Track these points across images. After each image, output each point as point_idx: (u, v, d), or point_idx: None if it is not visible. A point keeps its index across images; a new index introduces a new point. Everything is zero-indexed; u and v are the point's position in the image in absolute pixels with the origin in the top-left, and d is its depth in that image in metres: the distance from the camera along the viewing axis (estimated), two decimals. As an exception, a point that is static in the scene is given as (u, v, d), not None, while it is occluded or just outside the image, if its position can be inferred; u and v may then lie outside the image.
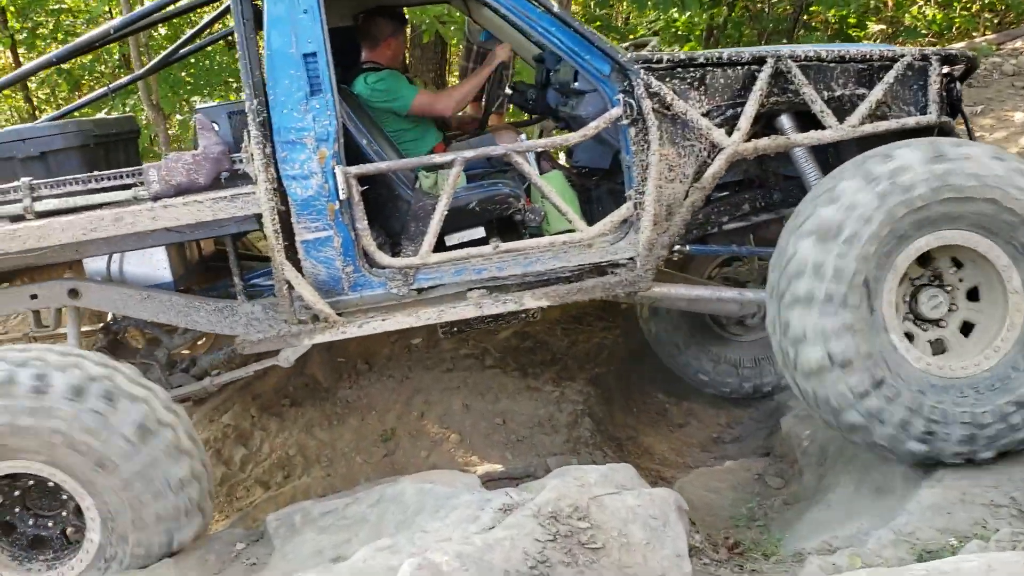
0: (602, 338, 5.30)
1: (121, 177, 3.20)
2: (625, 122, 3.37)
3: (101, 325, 3.97)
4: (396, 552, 2.74)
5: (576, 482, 2.98)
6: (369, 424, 4.76)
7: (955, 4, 8.84)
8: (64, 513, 3.13)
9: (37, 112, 9.20)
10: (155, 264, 3.53)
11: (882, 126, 3.47)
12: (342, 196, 3.25)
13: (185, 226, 3.19)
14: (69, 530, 3.16)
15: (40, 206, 3.15)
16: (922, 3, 9.30)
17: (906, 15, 9.10)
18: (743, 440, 4.78)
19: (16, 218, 3.22)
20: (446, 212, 3.36)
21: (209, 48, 7.43)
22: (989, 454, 2.98)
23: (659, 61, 3.37)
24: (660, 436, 4.85)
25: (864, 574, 2.15)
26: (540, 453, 4.52)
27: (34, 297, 3.43)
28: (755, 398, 4.90)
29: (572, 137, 3.40)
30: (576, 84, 3.79)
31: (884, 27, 9.04)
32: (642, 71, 3.34)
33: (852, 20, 8.76)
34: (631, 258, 3.48)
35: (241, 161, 3.25)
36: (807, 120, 3.58)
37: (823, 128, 3.47)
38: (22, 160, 3.37)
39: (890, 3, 9.04)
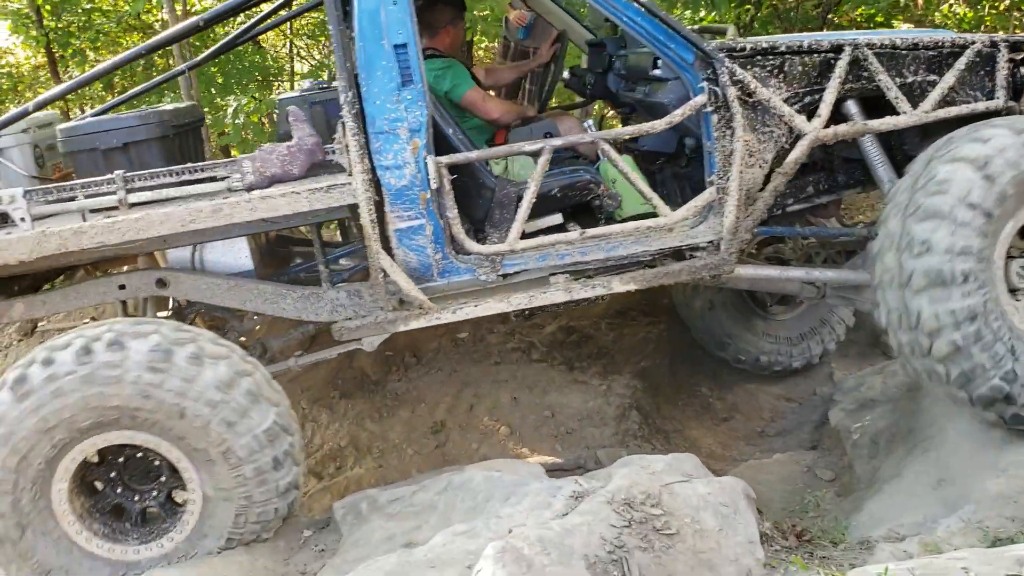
0: (647, 332, 5.32)
1: (212, 168, 3.21)
2: (708, 109, 3.40)
3: (169, 312, 4.00)
4: (474, 536, 2.76)
5: (645, 470, 3.00)
6: (419, 416, 4.80)
7: (984, 2, 8.81)
8: (162, 482, 3.20)
9: (71, 111, 9.26)
10: (237, 253, 3.55)
11: (953, 111, 3.53)
12: (433, 185, 3.29)
13: (281, 217, 3.21)
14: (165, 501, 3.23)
15: (133, 198, 3.16)
16: (952, 1, 9.29)
17: (936, 13, 9.08)
18: (787, 433, 4.81)
19: (102, 210, 3.22)
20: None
21: (239, 48, 7.48)
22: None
23: (742, 49, 3.40)
24: (706, 429, 4.89)
25: (964, 554, 2.17)
26: (590, 445, 4.56)
27: (122, 287, 3.45)
28: (804, 370, 5.05)
29: (658, 124, 3.41)
30: (657, 71, 3.82)
31: (912, 25, 9.01)
32: (726, 59, 3.37)
33: (880, 19, 8.73)
34: (711, 241, 3.52)
35: (334, 152, 3.28)
36: (871, 105, 3.62)
37: (889, 113, 3.52)
38: (104, 151, 3.39)
39: (919, 1, 9.03)
